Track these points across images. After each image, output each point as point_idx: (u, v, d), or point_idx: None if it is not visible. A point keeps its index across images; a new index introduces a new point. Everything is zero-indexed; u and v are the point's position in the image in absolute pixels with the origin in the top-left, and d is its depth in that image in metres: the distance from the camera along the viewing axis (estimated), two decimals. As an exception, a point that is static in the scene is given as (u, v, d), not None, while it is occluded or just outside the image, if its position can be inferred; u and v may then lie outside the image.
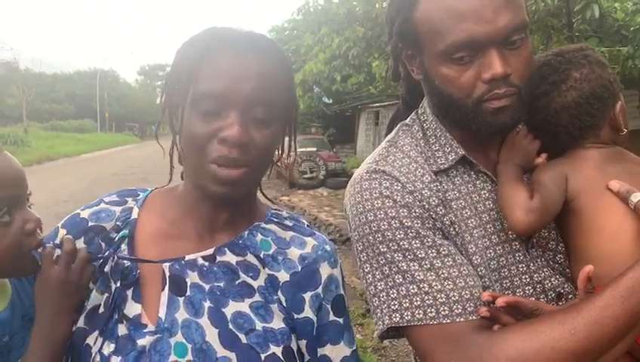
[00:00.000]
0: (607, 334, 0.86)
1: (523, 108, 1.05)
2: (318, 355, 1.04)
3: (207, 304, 0.97)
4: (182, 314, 0.95)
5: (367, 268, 1.04)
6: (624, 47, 5.53)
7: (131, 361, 0.91)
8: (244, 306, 0.98)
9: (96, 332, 0.95)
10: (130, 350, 0.92)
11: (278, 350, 0.96)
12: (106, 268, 1.00)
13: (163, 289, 0.97)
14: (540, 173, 1.10)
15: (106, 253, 1.01)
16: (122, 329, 0.94)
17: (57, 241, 1.01)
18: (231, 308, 0.97)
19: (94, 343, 0.94)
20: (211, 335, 0.94)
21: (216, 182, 0.94)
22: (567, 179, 1.07)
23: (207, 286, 0.98)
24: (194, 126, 0.94)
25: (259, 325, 0.97)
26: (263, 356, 0.94)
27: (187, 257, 1.00)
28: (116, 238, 1.02)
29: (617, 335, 0.86)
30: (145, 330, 0.94)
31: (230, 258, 1.01)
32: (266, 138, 0.96)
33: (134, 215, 1.05)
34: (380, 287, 1.01)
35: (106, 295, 0.98)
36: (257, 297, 1.00)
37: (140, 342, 0.93)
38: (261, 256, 1.03)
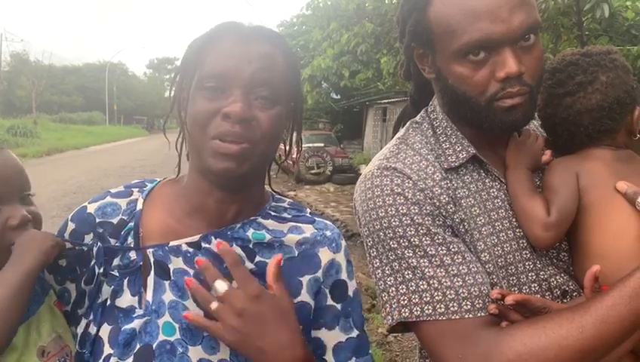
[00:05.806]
0: (613, 333, 0.87)
1: (534, 106, 1.07)
2: (312, 337, 1.05)
3: None
4: (168, 296, 0.98)
5: (377, 263, 1.05)
6: (634, 46, 5.50)
7: (122, 344, 0.95)
8: None
9: (105, 324, 0.99)
10: (120, 334, 0.96)
11: None
12: (116, 262, 1.02)
13: (149, 274, 1.00)
14: (551, 176, 1.11)
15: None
16: (114, 318, 0.98)
17: (66, 235, 1.05)
18: None
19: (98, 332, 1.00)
20: (197, 315, 0.96)
21: (217, 156, 0.94)
22: (578, 177, 1.09)
23: (191, 271, 0.99)
24: (198, 105, 0.97)
25: None
26: None
27: (171, 243, 1.01)
28: (123, 232, 1.04)
29: (623, 334, 0.88)
30: (134, 315, 0.97)
31: (215, 246, 1.01)
32: (269, 118, 0.97)
33: (139, 206, 1.07)
34: (389, 282, 1.03)
35: (108, 286, 1.01)
36: None
37: (129, 326, 0.96)
38: (250, 246, 1.03)
